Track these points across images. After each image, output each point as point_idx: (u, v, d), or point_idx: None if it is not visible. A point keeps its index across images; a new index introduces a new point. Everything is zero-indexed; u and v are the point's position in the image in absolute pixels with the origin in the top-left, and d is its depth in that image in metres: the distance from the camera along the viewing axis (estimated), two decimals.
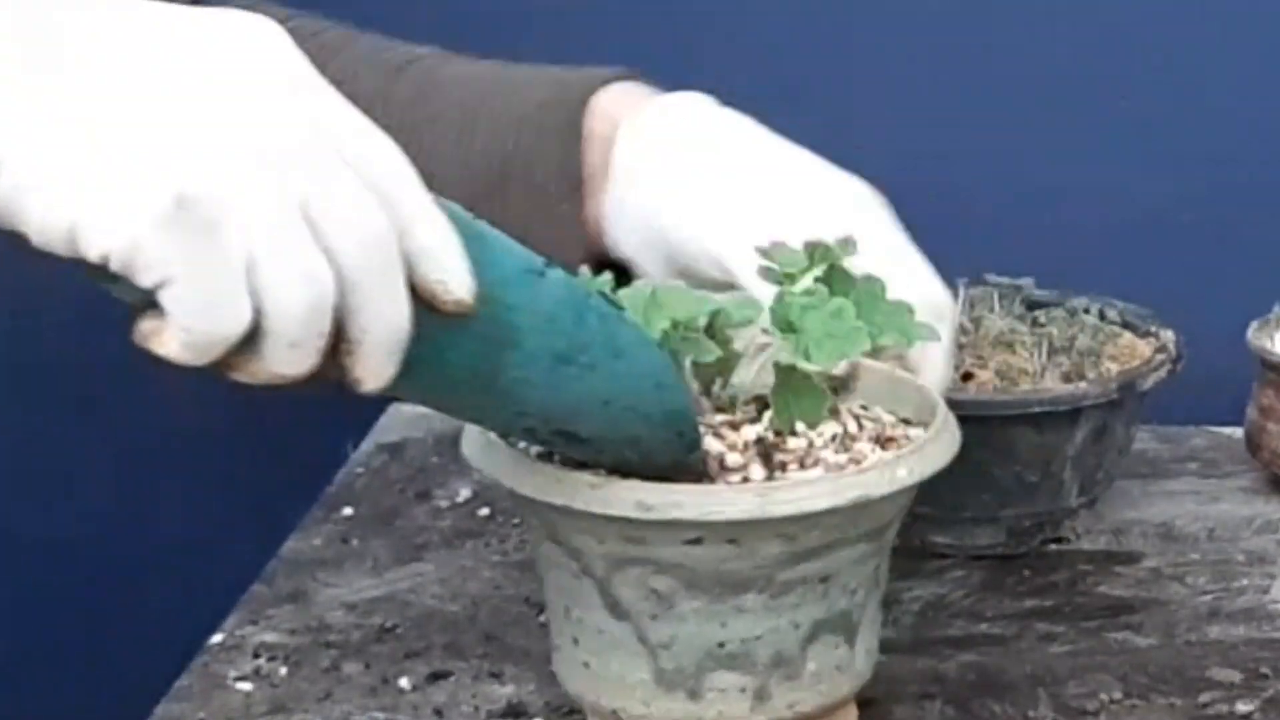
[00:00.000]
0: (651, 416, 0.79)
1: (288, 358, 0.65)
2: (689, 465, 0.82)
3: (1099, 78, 1.32)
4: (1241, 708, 0.92)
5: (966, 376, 1.06)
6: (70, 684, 1.48)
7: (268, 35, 0.66)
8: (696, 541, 0.80)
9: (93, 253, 0.62)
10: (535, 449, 0.83)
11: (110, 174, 0.62)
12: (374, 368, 0.67)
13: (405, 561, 1.09)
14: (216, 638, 1.00)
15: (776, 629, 0.83)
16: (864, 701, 0.92)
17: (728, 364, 0.86)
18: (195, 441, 1.45)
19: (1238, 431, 1.18)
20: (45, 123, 0.62)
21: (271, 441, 1.41)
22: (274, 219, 0.63)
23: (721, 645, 0.83)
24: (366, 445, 1.24)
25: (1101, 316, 1.12)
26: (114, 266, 0.62)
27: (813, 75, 1.34)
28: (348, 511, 1.15)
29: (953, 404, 1.03)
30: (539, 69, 1.02)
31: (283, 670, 0.97)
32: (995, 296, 1.13)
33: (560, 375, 0.75)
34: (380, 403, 1.27)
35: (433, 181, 0.69)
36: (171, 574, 1.44)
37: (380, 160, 0.67)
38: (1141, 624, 1.00)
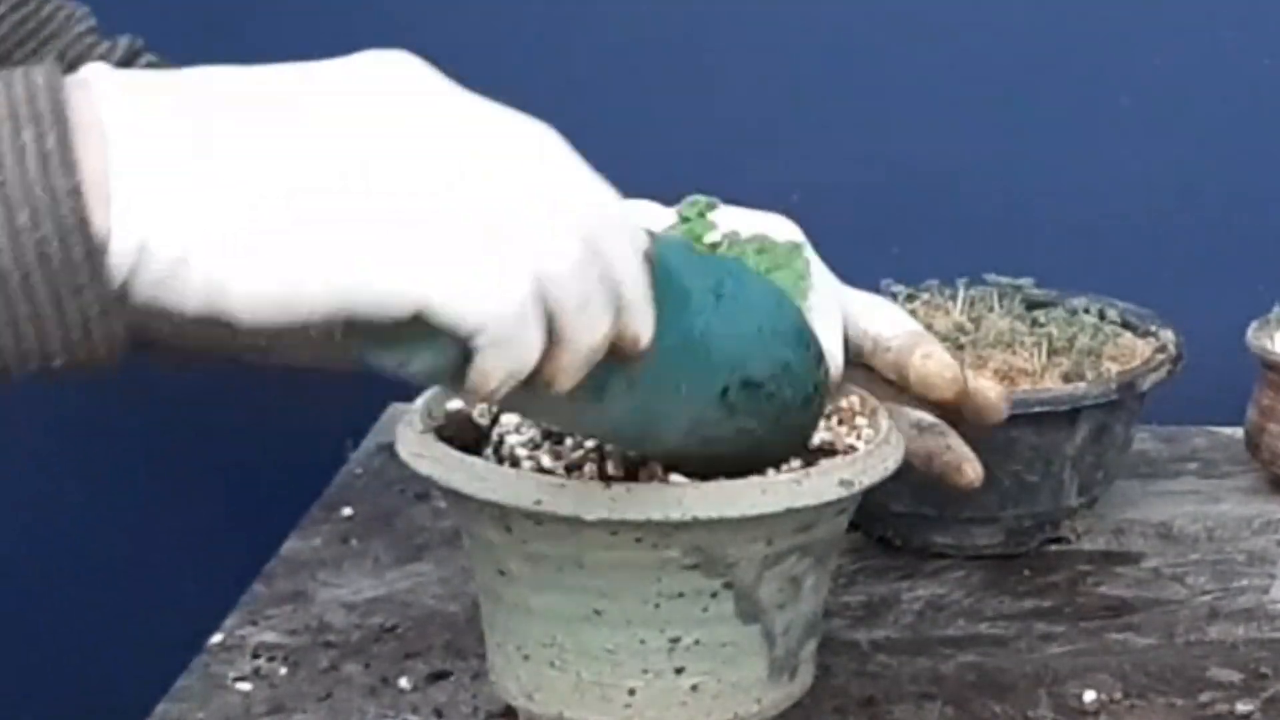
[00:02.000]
0: (787, 332, 0.81)
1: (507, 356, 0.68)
2: (822, 387, 0.83)
3: (1099, 78, 1.32)
4: (1241, 708, 0.91)
5: None
6: (70, 684, 1.48)
7: (461, 96, 0.69)
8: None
9: (458, 327, 0.66)
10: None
11: (467, 257, 0.65)
12: (571, 372, 0.70)
13: (405, 561, 1.09)
14: (216, 638, 1.00)
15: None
16: (864, 701, 0.92)
17: None
18: (195, 441, 1.45)
19: (1238, 431, 1.18)
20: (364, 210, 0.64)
21: (271, 441, 1.41)
22: (581, 295, 0.68)
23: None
24: (366, 445, 1.24)
25: (1101, 316, 1.12)
26: (476, 340, 0.66)
27: (813, 75, 1.34)
28: (347, 511, 1.15)
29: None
30: None
31: (282, 670, 0.97)
32: (995, 296, 1.13)
33: (723, 310, 0.77)
34: (380, 403, 1.27)
35: None
36: (171, 574, 1.44)
37: (613, 212, 0.71)
38: (1141, 624, 1.00)
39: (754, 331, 0.79)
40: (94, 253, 0.62)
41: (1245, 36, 1.31)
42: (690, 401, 0.78)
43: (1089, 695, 0.92)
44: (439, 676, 0.96)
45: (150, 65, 1.10)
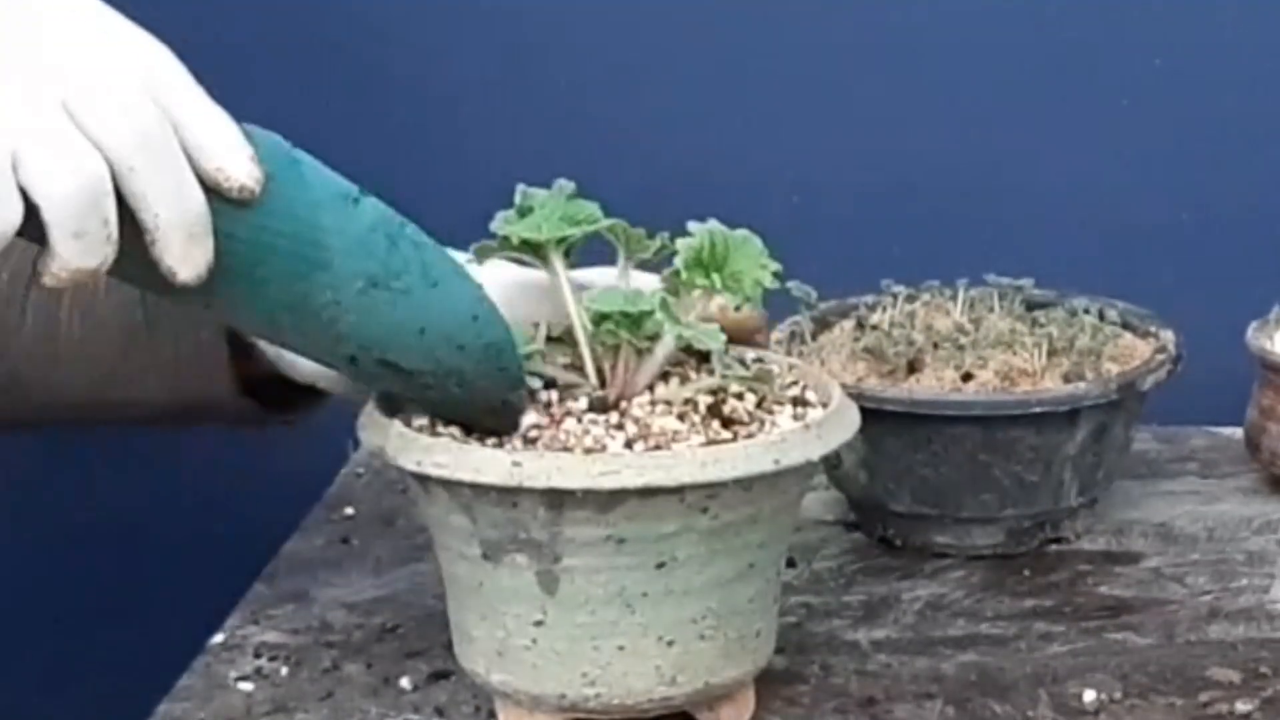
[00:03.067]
0: (470, 348, 0.81)
1: (78, 249, 0.69)
2: (515, 404, 0.83)
3: (1099, 78, 1.32)
4: (1241, 708, 0.92)
5: (966, 377, 1.06)
6: (71, 684, 1.48)
7: None
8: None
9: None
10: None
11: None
12: (180, 254, 0.71)
13: (406, 561, 1.09)
14: (218, 637, 1.00)
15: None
16: (864, 701, 0.92)
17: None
18: (196, 440, 1.45)
19: (1237, 432, 1.18)
20: None
21: (272, 441, 1.41)
22: (32, 118, 0.68)
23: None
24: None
25: (1101, 316, 1.12)
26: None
27: (814, 75, 1.34)
28: (348, 511, 1.15)
29: (954, 404, 1.03)
30: None
31: (284, 670, 0.97)
32: (995, 296, 1.13)
33: (373, 299, 0.77)
34: None
35: None
36: (172, 574, 1.44)
37: (154, 63, 0.71)
38: (1141, 624, 1.00)
39: (414, 331, 0.79)
40: None
41: (1246, 37, 1.31)
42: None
43: (1089, 695, 0.92)
44: (440, 676, 0.96)
45: None
